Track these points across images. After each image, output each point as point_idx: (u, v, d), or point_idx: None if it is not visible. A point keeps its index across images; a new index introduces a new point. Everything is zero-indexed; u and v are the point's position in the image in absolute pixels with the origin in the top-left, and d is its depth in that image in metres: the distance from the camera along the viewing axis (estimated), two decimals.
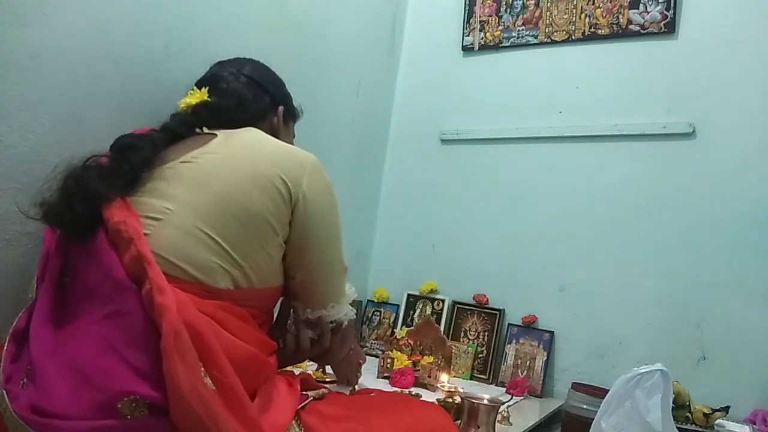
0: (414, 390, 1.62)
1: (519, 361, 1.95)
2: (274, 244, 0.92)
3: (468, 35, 2.25)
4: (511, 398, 1.68)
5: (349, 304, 1.08)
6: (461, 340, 2.06)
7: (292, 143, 1.19)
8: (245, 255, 0.88)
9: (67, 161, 0.89)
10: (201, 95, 1.09)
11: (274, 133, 1.11)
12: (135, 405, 0.69)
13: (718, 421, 1.50)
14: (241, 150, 0.97)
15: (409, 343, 1.80)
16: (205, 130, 1.05)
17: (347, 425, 0.87)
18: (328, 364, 1.14)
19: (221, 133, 1.01)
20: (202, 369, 0.70)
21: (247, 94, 1.12)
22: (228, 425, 0.69)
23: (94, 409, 0.68)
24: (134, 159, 0.92)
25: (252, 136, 1.02)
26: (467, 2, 2.25)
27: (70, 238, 0.85)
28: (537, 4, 2.12)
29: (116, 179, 0.89)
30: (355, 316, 1.10)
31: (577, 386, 1.61)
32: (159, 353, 0.69)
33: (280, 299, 1.07)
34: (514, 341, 1.98)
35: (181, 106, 1.09)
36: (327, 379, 1.57)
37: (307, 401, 0.87)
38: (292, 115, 1.24)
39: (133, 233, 0.79)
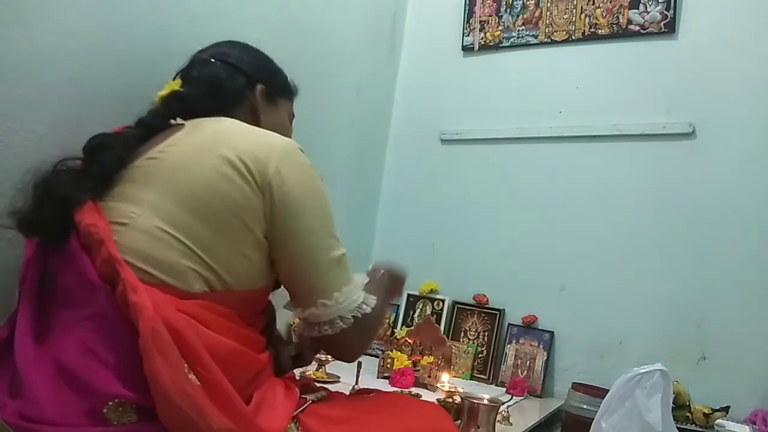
0: (414, 390, 1.62)
1: (519, 361, 1.95)
2: (250, 243, 0.85)
3: (468, 35, 2.25)
4: (511, 398, 1.67)
5: (362, 296, 0.93)
6: (461, 340, 2.06)
7: (284, 123, 1.12)
8: (217, 258, 0.82)
9: (37, 169, 0.88)
10: (172, 85, 1.03)
11: (255, 116, 1.04)
12: (121, 409, 0.68)
13: (718, 421, 1.50)
14: (204, 140, 0.90)
15: (409, 343, 1.80)
16: (178, 121, 1.00)
17: (346, 427, 0.86)
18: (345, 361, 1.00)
19: (189, 124, 0.96)
20: (186, 366, 0.69)
21: (218, 78, 1.04)
22: (216, 420, 0.68)
23: (80, 415, 0.67)
24: (104, 159, 0.89)
25: (218, 124, 0.95)
26: (467, 2, 2.25)
27: (46, 245, 0.83)
28: (537, 4, 2.12)
29: (86, 181, 0.86)
30: (374, 308, 0.93)
31: (577, 386, 1.61)
32: (140, 354, 0.67)
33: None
34: (514, 341, 1.98)
35: (156, 99, 1.03)
36: (328, 380, 1.57)
37: (306, 405, 0.86)
38: (280, 92, 1.12)
39: (103, 235, 0.77)
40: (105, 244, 0.76)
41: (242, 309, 0.86)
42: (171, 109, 1.00)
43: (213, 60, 1.05)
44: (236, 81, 1.04)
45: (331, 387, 1.50)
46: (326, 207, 0.92)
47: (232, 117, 0.99)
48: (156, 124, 0.97)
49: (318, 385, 1.06)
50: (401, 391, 1.60)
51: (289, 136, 1.07)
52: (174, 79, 1.05)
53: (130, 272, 0.73)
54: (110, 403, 0.68)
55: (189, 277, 0.80)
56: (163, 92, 1.02)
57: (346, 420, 0.88)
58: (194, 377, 0.69)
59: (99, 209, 0.83)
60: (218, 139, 0.89)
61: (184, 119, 0.99)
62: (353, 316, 0.89)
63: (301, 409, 0.84)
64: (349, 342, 0.93)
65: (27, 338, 0.75)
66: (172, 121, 0.99)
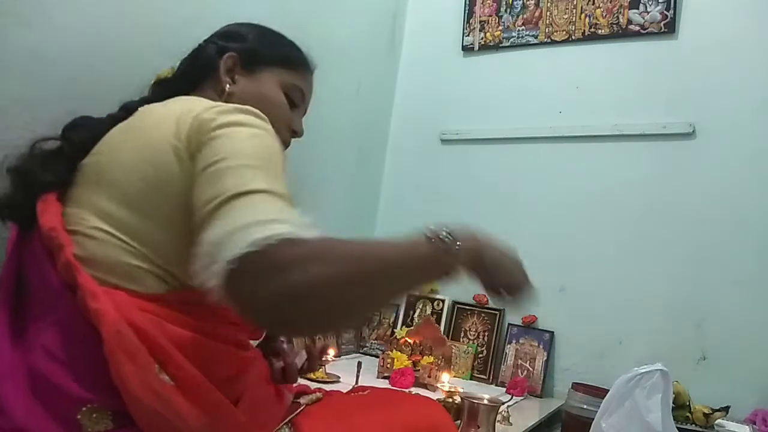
0: (414, 390, 1.62)
1: (519, 361, 1.95)
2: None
3: (468, 35, 2.25)
4: (511, 398, 1.67)
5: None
6: (461, 340, 2.06)
7: (265, 95, 0.96)
8: (171, 258, 0.75)
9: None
10: (162, 73, 0.99)
11: (221, 89, 0.93)
12: (96, 416, 0.66)
13: (718, 421, 1.50)
14: (135, 129, 0.82)
15: (409, 343, 1.80)
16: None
17: (341, 426, 0.85)
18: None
19: (142, 108, 0.87)
20: (156, 366, 0.66)
21: (194, 56, 0.97)
22: (193, 418, 0.66)
23: (53, 423, 0.65)
24: (77, 138, 0.85)
25: (164, 104, 0.85)
26: (467, 2, 2.25)
27: (21, 236, 0.80)
28: (537, 4, 2.12)
29: (56, 165, 0.83)
30: (258, 247, 0.59)
31: (577, 386, 1.61)
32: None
33: None
34: (514, 341, 1.98)
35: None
36: (328, 380, 1.57)
37: (300, 409, 0.84)
38: (264, 60, 0.97)
39: (63, 240, 0.73)
40: (64, 250, 0.72)
41: (214, 308, 0.71)
42: (153, 95, 0.95)
43: (203, 42, 1.00)
44: (206, 52, 0.96)
45: (332, 387, 1.50)
46: (257, 148, 0.72)
47: (204, 93, 0.92)
48: (133, 109, 0.90)
49: (315, 386, 1.05)
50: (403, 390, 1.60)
51: (276, 110, 0.94)
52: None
53: (87, 278, 0.70)
54: (83, 408, 0.65)
55: (147, 279, 0.74)
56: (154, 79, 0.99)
57: (341, 419, 0.87)
58: (166, 377, 0.66)
59: (59, 211, 0.79)
60: (158, 121, 0.79)
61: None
62: (271, 243, 0.59)
63: (295, 414, 0.82)
64: (243, 290, 0.59)
65: (3, 342, 0.72)
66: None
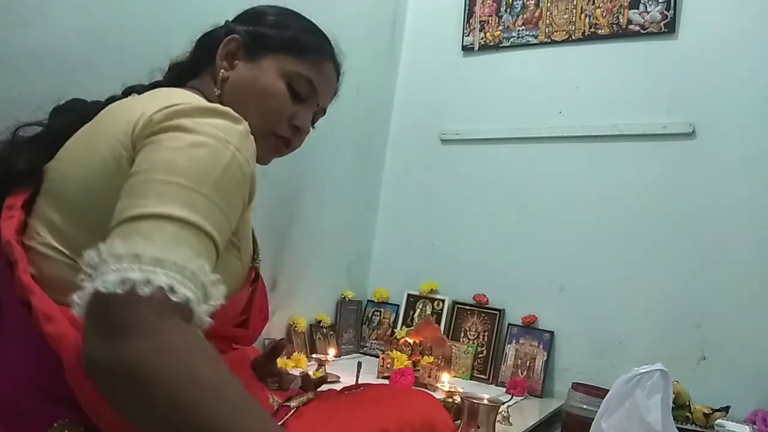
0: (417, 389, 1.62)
1: (519, 361, 1.95)
2: None
3: (468, 35, 2.25)
4: (511, 398, 1.68)
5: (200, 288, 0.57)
6: (461, 340, 2.06)
7: (263, 83, 0.86)
8: None
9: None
10: (181, 56, 0.93)
11: (217, 75, 0.85)
12: (68, 430, 0.62)
13: (718, 421, 1.50)
14: (102, 124, 0.73)
15: (409, 343, 1.80)
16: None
17: (334, 424, 0.82)
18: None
19: (108, 106, 0.79)
20: None
21: (204, 38, 0.90)
22: None
23: None
24: (56, 124, 0.79)
25: (126, 102, 0.77)
26: (467, 2, 2.25)
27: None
28: (537, 4, 2.12)
29: (29, 152, 0.76)
30: (120, 289, 0.52)
31: (577, 386, 1.61)
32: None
33: None
34: (514, 341, 1.98)
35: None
36: (328, 379, 1.57)
37: (289, 414, 0.81)
38: (269, 44, 0.87)
39: (17, 255, 0.66)
40: (18, 267, 0.65)
41: None
42: (165, 79, 0.89)
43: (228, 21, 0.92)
44: (215, 35, 0.88)
45: (331, 387, 1.50)
46: (200, 161, 0.62)
47: (201, 80, 0.86)
48: (131, 93, 0.84)
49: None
50: None
51: (272, 100, 0.86)
52: None
53: (42, 299, 0.62)
54: (54, 425, 0.61)
55: None
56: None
57: (334, 418, 0.84)
58: None
59: (20, 221, 0.71)
60: (115, 121, 0.70)
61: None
62: (119, 291, 0.52)
63: (285, 418, 0.79)
64: (86, 328, 0.54)
65: None
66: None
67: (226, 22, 0.92)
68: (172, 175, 0.60)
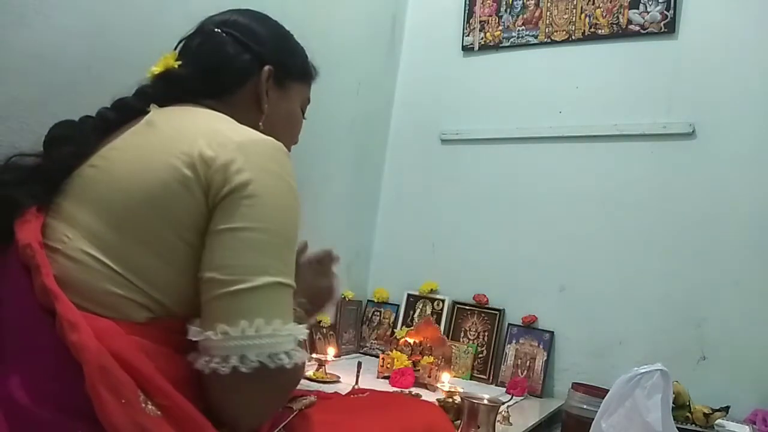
0: (414, 390, 1.62)
1: (519, 361, 1.95)
2: (197, 262, 0.71)
3: (468, 35, 2.25)
4: (511, 398, 1.67)
5: (293, 345, 0.69)
6: (461, 340, 2.06)
7: (294, 113, 0.97)
8: (161, 286, 0.70)
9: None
10: (168, 60, 0.88)
11: (257, 103, 0.89)
12: None
13: (718, 421, 1.50)
14: (153, 144, 0.75)
15: (409, 343, 1.80)
16: (152, 107, 0.84)
17: (337, 430, 0.82)
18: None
19: (151, 116, 0.80)
20: (141, 397, 0.62)
21: (219, 56, 0.88)
22: None
23: None
24: (58, 156, 0.77)
25: (181, 120, 0.79)
26: (467, 2, 2.25)
27: None
28: (537, 4, 2.12)
29: (35, 183, 0.75)
30: (290, 364, 0.67)
31: (577, 386, 1.61)
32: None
33: None
34: (514, 341, 1.98)
35: (148, 76, 0.89)
36: (328, 380, 1.57)
37: (292, 415, 0.81)
38: (293, 74, 0.95)
39: (39, 260, 0.67)
40: (41, 272, 0.66)
41: None
42: (157, 91, 0.86)
43: (218, 31, 0.89)
44: (240, 60, 0.88)
45: (331, 387, 1.50)
46: (284, 223, 0.72)
47: (227, 104, 0.86)
48: (132, 109, 0.83)
49: (315, 387, 1.02)
50: (401, 391, 1.60)
51: (298, 128, 0.98)
52: (175, 48, 0.91)
53: (67, 306, 0.64)
54: None
55: (129, 308, 0.69)
56: (157, 68, 0.88)
57: (338, 423, 0.84)
58: (153, 407, 0.62)
59: (39, 224, 0.73)
60: (169, 143, 0.73)
61: (168, 103, 0.84)
62: (260, 362, 0.65)
63: (286, 421, 0.79)
64: (242, 395, 0.67)
65: None
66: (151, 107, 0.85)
67: (231, 35, 0.89)
68: (275, 235, 0.70)
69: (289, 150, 0.93)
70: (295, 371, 0.69)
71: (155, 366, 0.64)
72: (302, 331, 0.71)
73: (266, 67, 0.89)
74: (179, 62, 0.87)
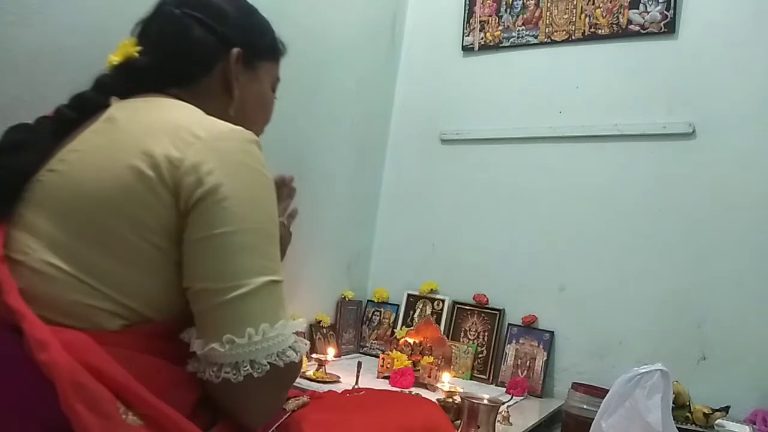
0: (414, 390, 1.62)
1: (519, 361, 1.95)
2: (171, 269, 0.68)
3: (468, 35, 2.25)
4: (511, 398, 1.68)
5: (294, 337, 0.70)
6: (461, 340, 2.06)
7: (264, 93, 0.91)
8: (132, 293, 0.67)
9: None
10: (126, 47, 0.82)
11: (227, 87, 0.83)
12: None
13: (718, 421, 1.50)
14: (114, 143, 0.70)
15: (409, 343, 1.80)
16: (113, 100, 0.79)
17: (333, 429, 0.81)
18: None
19: (112, 111, 0.75)
20: (122, 409, 0.59)
21: (182, 39, 0.81)
22: None
23: None
24: (13, 164, 0.72)
25: (146, 114, 0.74)
26: (467, 2, 2.25)
27: None
28: (537, 4, 2.12)
29: None
30: (297, 358, 0.69)
31: (577, 386, 1.61)
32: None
33: None
34: (514, 341, 1.98)
35: (107, 66, 0.83)
36: (328, 380, 1.57)
37: (285, 416, 0.79)
38: (262, 54, 0.89)
39: (1, 276, 0.64)
40: (3, 290, 0.63)
41: (175, 337, 0.70)
42: (118, 82, 0.80)
43: (179, 12, 0.82)
44: (205, 44, 0.82)
45: (331, 387, 1.50)
46: (264, 219, 0.70)
47: (194, 91, 0.81)
48: (93, 104, 0.78)
49: (315, 387, 1.00)
50: (400, 391, 1.60)
51: (271, 108, 0.93)
52: (133, 33, 0.86)
53: (33, 324, 0.61)
54: None
55: (101, 317, 0.66)
56: (116, 57, 0.82)
57: (333, 422, 0.83)
58: (134, 417, 0.60)
59: (1, 236, 0.69)
60: (131, 141, 0.69)
61: (130, 95, 0.79)
62: (271, 363, 0.66)
63: (280, 421, 0.78)
64: (255, 396, 0.68)
65: None
66: (112, 99, 0.80)
67: (191, 16, 0.82)
68: (256, 234, 0.68)
69: (263, 131, 0.93)
70: (301, 361, 0.71)
71: (134, 374, 0.62)
72: (300, 324, 0.72)
73: (234, 50, 0.83)
74: (139, 49, 0.81)
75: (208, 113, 0.75)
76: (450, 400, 1.39)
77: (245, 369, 0.64)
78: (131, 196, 0.66)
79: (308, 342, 0.73)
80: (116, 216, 0.66)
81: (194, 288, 0.67)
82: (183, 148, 0.67)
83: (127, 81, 0.80)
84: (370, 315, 2.23)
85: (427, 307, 2.16)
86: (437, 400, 1.38)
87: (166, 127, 0.69)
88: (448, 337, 1.99)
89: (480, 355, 2.01)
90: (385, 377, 1.72)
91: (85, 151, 0.72)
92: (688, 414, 1.49)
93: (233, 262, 0.66)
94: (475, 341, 2.04)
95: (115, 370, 0.61)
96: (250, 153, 0.70)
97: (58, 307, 0.65)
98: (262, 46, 0.89)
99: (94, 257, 0.66)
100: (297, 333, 0.70)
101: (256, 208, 0.69)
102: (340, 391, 1.14)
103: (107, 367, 0.61)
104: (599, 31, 2.00)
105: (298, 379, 1.54)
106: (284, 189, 0.95)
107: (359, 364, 1.60)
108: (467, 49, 2.25)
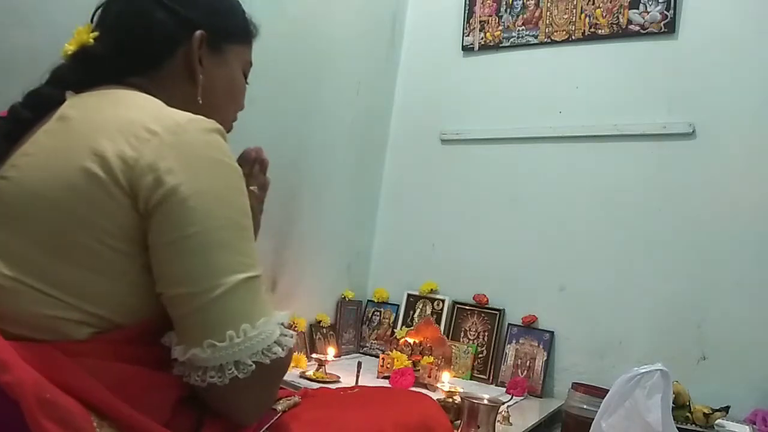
0: (414, 390, 1.62)
1: (519, 361, 1.95)
2: (136, 271, 0.65)
3: (468, 35, 2.25)
4: (511, 398, 1.68)
5: (281, 329, 0.68)
6: (461, 340, 2.06)
7: (234, 78, 0.85)
8: (95, 299, 0.64)
9: None
10: (81, 35, 0.76)
11: (191, 73, 0.78)
12: None
13: (718, 421, 1.50)
14: (66, 144, 0.66)
15: (409, 343, 1.80)
16: (68, 95, 0.73)
17: (327, 429, 0.78)
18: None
19: (67, 106, 0.71)
20: (96, 421, 0.58)
21: (139, 25, 0.76)
22: None
23: None
24: None
25: (97, 111, 0.69)
26: (467, 2, 2.25)
27: None
28: (537, 4, 2.12)
29: None
30: (284, 353, 0.67)
31: (577, 386, 1.61)
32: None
33: None
34: (514, 341, 1.98)
35: (62, 56, 0.79)
36: (327, 380, 1.57)
37: (276, 417, 0.77)
38: (229, 36, 0.83)
39: None
40: None
41: (147, 341, 0.67)
42: (74, 74, 0.75)
43: None
44: (166, 26, 0.76)
45: (331, 387, 1.50)
46: (233, 213, 0.66)
47: (156, 80, 0.77)
48: (48, 100, 0.74)
49: (315, 386, 0.99)
50: None
51: (242, 94, 0.88)
52: (91, 20, 0.79)
53: None
54: None
55: (67, 328, 0.63)
56: (71, 46, 0.77)
57: (328, 419, 0.80)
58: (109, 428, 0.59)
59: None
60: (81, 141, 0.65)
61: (87, 87, 0.74)
62: (256, 362, 0.64)
63: (270, 422, 0.76)
64: (245, 396, 0.67)
65: None
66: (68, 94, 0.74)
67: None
68: (227, 229, 0.65)
69: (235, 118, 0.89)
70: (290, 355, 0.68)
71: (106, 384, 0.60)
72: (284, 317, 0.69)
73: (197, 32, 0.77)
74: (95, 35, 0.76)
75: (174, 103, 0.71)
76: (450, 400, 1.39)
77: (230, 371, 0.63)
78: (83, 199, 0.63)
79: (294, 333, 0.71)
80: (69, 220, 0.63)
81: (168, 294, 0.64)
82: (138, 146, 0.63)
83: (83, 72, 0.75)
84: (370, 315, 2.23)
85: (427, 307, 2.16)
86: (437, 400, 1.38)
87: (120, 124, 0.65)
88: (448, 337, 1.99)
89: (480, 355, 2.01)
90: (385, 377, 1.72)
91: (36, 154, 0.67)
92: (688, 414, 1.49)
93: (205, 263, 0.63)
94: (475, 341, 2.04)
95: (84, 382, 0.59)
96: (211, 144, 0.66)
97: (23, 321, 0.63)
98: (231, 29, 0.83)
99: (53, 266, 0.63)
100: (282, 325, 0.68)
101: (223, 203, 0.65)
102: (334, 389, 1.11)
103: (76, 380, 0.59)
104: (599, 31, 2.00)
105: (299, 380, 1.54)
106: (255, 165, 0.90)
107: (359, 364, 1.60)
108: (467, 49, 2.25)
